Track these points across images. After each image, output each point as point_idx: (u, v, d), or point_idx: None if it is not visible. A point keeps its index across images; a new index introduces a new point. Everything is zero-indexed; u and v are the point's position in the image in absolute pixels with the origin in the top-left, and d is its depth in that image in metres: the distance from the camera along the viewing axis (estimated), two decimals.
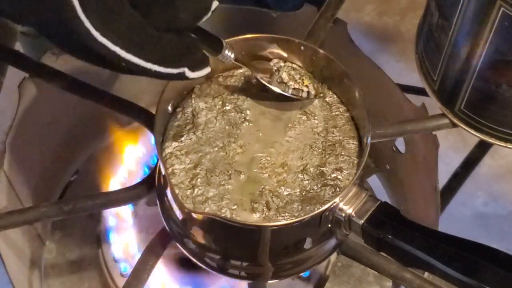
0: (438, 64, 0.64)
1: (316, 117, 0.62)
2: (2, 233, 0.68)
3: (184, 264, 0.73)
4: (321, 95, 0.62)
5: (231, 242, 0.59)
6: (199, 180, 0.58)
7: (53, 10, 0.44)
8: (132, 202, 0.73)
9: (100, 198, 0.65)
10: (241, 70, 0.64)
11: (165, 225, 0.63)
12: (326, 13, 0.71)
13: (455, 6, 0.58)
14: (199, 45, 0.53)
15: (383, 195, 0.84)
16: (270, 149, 0.60)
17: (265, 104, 0.62)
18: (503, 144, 0.65)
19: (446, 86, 0.65)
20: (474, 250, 0.53)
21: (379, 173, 0.84)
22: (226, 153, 0.60)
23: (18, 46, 0.73)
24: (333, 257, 0.74)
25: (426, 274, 0.62)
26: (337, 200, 0.56)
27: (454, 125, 0.66)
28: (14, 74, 0.71)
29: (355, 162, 0.60)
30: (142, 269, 0.62)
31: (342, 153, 0.60)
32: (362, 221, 0.56)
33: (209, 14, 0.51)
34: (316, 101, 0.63)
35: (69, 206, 0.63)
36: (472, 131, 0.65)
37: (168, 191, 0.59)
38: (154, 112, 0.60)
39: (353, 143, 0.61)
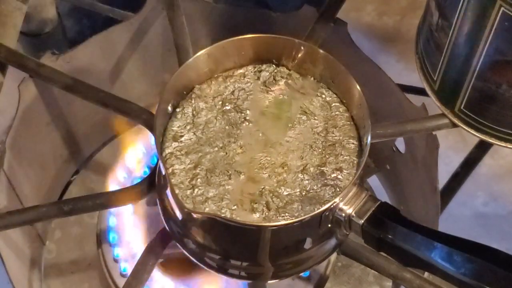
0: (438, 64, 0.64)
1: (316, 117, 0.62)
2: (2, 233, 0.68)
3: (184, 264, 0.73)
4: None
5: (231, 242, 0.59)
6: (199, 180, 0.58)
7: None
8: (132, 202, 0.73)
9: (100, 198, 0.65)
10: (241, 70, 0.64)
11: (165, 225, 0.63)
12: (326, 13, 0.71)
13: (455, 6, 0.58)
14: None
15: (383, 195, 0.84)
16: (270, 149, 0.60)
17: (265, 104, 0.62)
18: (503, 144, 0.65)
19: (446, 86, 0.65)
20: (474, 250, 0.53)
21: (379, 173, 0.84)
22: (226, 153, 0.60)
23: (18, 46, 0.72)
24: (333, 257, 0.74)
25: (426, 274, 0.62)
26: (337, 200, 0.56)
27: (454, 125, 0.66)
28: (14, 74, 0.71)
29: (355, 162, 0.60)
30: (142, 269, 0.62)
31: (342, 153, 0.60)
32: (362, 221, 0.56)
33: None
34: (316, 101, 0.63)
35: (69, 206, 0.63)
36: (472, 131, 0.65)
37: (168, 191, 0.59)
38: (154, 112, 0.60)
39: (353, 143, 0.61)
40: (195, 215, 0.56)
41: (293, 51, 0.63)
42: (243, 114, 0.62)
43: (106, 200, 0.65)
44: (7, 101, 0.71)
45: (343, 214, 0.56)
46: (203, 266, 0.62)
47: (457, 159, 1.01)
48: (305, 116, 0.62)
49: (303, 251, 0.59)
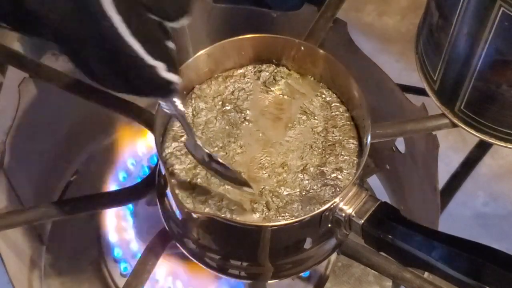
0: (438, 64, 0.64)
1: (316, 117, 0.62)
2: (2, 233, 0.68)
3: (184, 264, 0.73)
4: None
5: (231, 242, 0.59)
6: (199, 180, 0.58)
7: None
8: (132, 202, 0.73)
9: (100, 198, 0.65)
10: (241, 70, 0.64)
11: (165, 225, 0.63)
12: (326, 13, 0.71)
13: (455, 6, 0.58)
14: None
15: (383, 195, 0.84)
16: (270, 149, 0.60)
17: (265, 104, 0.62)
18: (503, 144, 0.65)
19: (446, 86, 0.65)
20: (474, 250, 0.53)
21: (379, 173, 0.84)
22: (226, 153, 0.60)
23: (18, 46, 0.72)
24: (333, 257, 0.74)
25: (426, 274, 0.62)
26: (337, 200, 0.56)
27: (454, 125, 0.66)
28: (14, 74, 0.71)
29: (355, 162, 0.60)
30: (142, 269, 0.62)
31: (342, 153, 0.60)
32: (362, 221, 0.56)
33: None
34: (316, 101, 0.63)
35: (69, 206, 0.63)
36: (472, 131, 0.65)
37: (168, 191, 0.59)
38: (154, 112, 0.60)
39: (353, 143, 0.61)
40: (195, 215, 0.56)
41: (293, 51, 0.63)
42: (243, 114, 0.62)
43: (106, 200, 0.65)
44: (7, 101, 0.71)
45: (343, 214, 0.56)
46: (203, 266, 0.62)
47: (457, 159, 1.01)
48: (305, 116, 0.62)
49: (303, 251, 0.59)
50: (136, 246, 0.76)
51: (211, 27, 0.81)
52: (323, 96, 0.63)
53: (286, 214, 0.57)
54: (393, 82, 0.74)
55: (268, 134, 0.61)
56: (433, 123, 0.66)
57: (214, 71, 0.63)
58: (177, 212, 0.59)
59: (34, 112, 0.75)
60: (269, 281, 0.62)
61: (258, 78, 0.63)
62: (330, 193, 0.58)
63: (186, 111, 0.62)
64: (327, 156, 0.60)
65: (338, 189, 0.58)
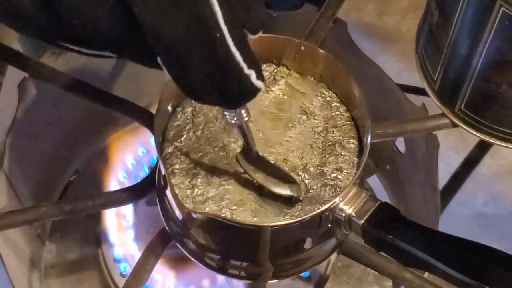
0: (438, 64, 0.64)
1: (316, 117, 0.62)
2: (2, 233, 0.68)
3: (184, 264, 0.73)
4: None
5: (231, 242, 0.59)
6: (199, 180, 0.58)
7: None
8: (132, 202, 0.73)
9: (100, 198, 0.65)
10: None
11: (165, 225, 0.63)
12: (326, 13, 0.71)
13: (455, 6, 0.58)
14: None
15: (383, 195, 0.84)
16: (270, 149, 0.60)
17: (265, 104, 0.62)
18: (503, 144, 0.65)
19: (446, 86, 0.65)
20: (474, 250, 0.53)
21: (379, 173, 0.84)
22: (226, 153, 0.60)
23: (18, 46, 0.72)
24: (333, 257, 0.74)
25: (426, 274, 0.62)
26: (337, 200, 0.56)
27: (454, 125, 0.66)
28: (14, 74, 0.71)
29: (355, 162, 0.60)
30: (142, 269, 0.62)
31: (342, 153, 0.60)
32: (362, 221, 0.56)
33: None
34: (316, 101, 0.63)
35: (69, 206, 0.63)
36: (472, 131, 0.65)
37: (168, 191, 0.59)
38: (154, 112, 0.60)
39: (353, 143, 0.61)
40: (195, 215, 0.56)
41: (293, 51, 0.63)
42: None
43: (106, 200, 0.65)
44: (7, 101, 0.71)
45: (343, 214, 0.56)
46: (203, 266, 0.61)
47: (457, 159, 1.01)
48: (305, 116, 0.62)
49: (303, 251, 0.59)
50: (136, 246, 0.76)
51: None
52: (323, 96, 0.63)
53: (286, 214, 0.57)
54: (393, 82, 0.75)
55: (268, 134, 0.61)
56: (433, 123, 0.66)
57: None
58: (177, 212, 0.59)
59: (34, 112, 0.75)
60: (269, 281, 0.62)
61: None
62: (330, 193, 0.58)
63: (186, 111, 0.62)
64: (327, 156, 0.60)
65: (338, 189, 0.58)
